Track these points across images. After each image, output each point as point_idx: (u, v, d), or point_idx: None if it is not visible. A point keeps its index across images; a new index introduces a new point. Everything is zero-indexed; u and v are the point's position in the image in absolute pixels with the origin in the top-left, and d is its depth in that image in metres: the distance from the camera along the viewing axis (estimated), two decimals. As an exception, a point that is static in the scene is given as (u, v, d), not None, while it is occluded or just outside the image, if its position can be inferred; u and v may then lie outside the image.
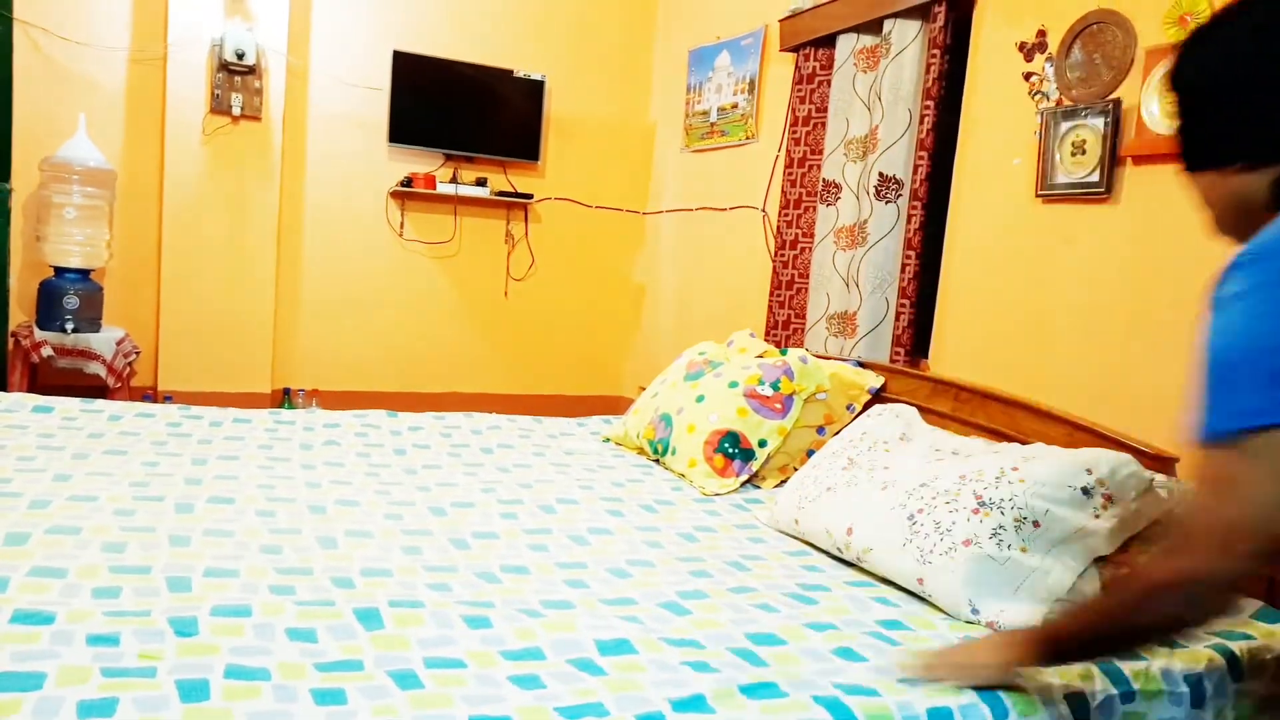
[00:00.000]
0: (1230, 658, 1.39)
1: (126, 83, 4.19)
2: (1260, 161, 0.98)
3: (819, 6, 3.64)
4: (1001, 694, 1.21)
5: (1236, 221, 1.02)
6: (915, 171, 3.16)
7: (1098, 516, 1.52)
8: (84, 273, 3.92)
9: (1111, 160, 2.52)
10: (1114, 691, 1.28)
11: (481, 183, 4.83)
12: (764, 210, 4.17)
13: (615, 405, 4.99)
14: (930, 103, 3.10)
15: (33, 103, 3.97)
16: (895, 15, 3.23)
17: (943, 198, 3.14)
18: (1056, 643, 1.14)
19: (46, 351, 3.73)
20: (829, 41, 3.63)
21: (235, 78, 4.22)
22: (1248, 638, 1.44)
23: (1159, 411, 2.43)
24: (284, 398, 4.60)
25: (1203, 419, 0.91)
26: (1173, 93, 1.09)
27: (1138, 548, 1.31)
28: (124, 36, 4.16)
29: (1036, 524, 1.51)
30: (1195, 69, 1.04)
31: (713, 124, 4.59)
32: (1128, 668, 1.32)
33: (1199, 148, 1.05)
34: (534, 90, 4.84)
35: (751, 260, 4.21)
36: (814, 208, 3.70)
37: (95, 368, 3.82)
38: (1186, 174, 1.08)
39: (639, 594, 1.50)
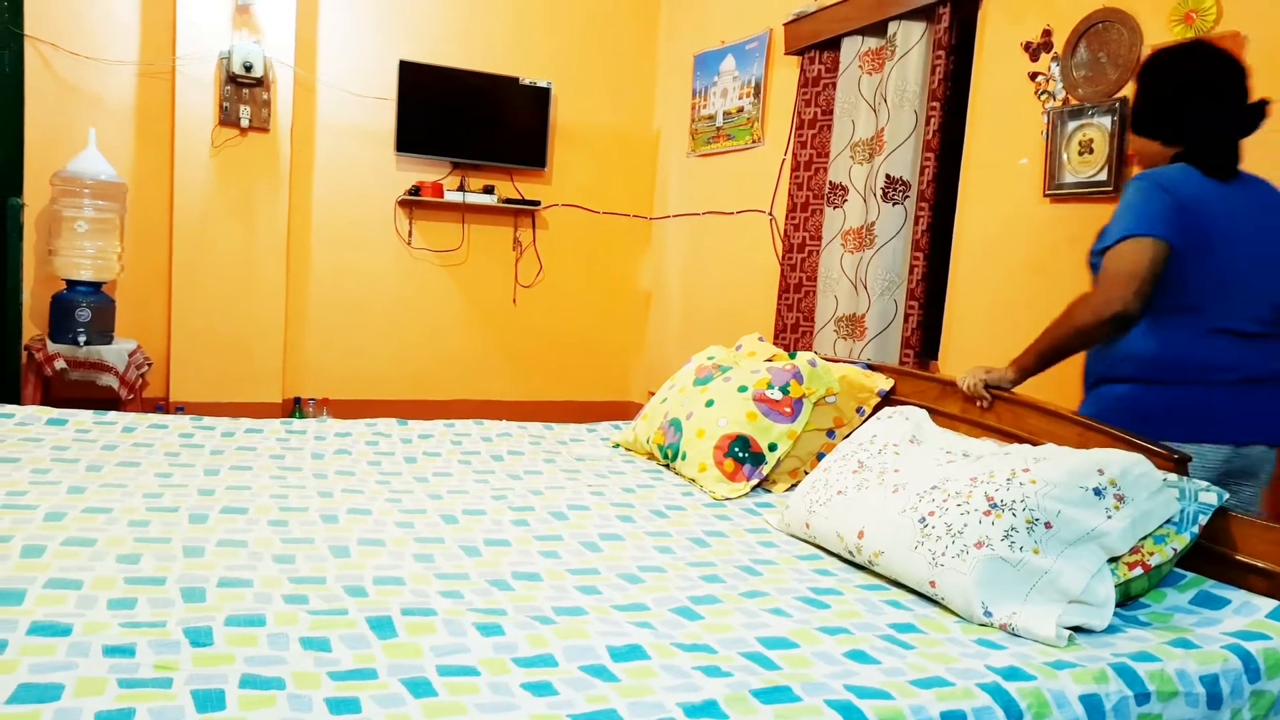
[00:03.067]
0: (1246, 658, 1.38)
1: (136, 96, 4.23)
2: (1169, 144, 1.91)
3: (823, 9, 3.65)
4: (1015, 696, 1.21)
5: (1150, 164, 1.95)
6: (922, 173, 3.16)
7: (1110, 517, 1.51)
8: (96, 285, 3.95)
9: (1119, 159, 2.52)
10: (1129, 693, 1.28)
11: (489, 190, 4.84)
12: (771, 214, 4.17)
13: (624, 411, 5.00)
14: (936, 104, 3.10)
15: (44, 117, 4.00)
16: (900, 17, 3.23)
17: (950, 199, 3.13)
18: (1031, 356, 2.00)
19: (59, 364, 3.75)
20: (834, 44, 3.63)
21: (243, 90, 4.25)
22: (1264, 638, 1.43)
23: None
24: (295, 407, 4.62)
25: (1113, 235, 1.82)
26: (1141, 93, 1.97)
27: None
28: (133, 51, 4.19)
29: (1049, 525, 1.50)
30: (1145, 90, 1.95)
31: (718, 128, 4.60)
32: (1143, 669, 1.31)
33: (1147, 128, 1.95)
34: (540, 97, 4.85)
35: (759, 264, 4.21)
36: (821, 210, 3.70)
37: (108, 380, 3.85)
38: (1133, 133, 2.00)
39: (651, 599, 1.50)
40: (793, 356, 2.49)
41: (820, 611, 1.51)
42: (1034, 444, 1.82)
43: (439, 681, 1.14)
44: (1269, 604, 1.51)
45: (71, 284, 3.90)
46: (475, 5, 4.82)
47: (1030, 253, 2.82)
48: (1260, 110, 1.85)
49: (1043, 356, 1.97)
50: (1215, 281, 1.80)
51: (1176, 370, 1.82)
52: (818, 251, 3.69)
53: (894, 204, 3.26)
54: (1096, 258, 1.87)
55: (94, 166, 3.91)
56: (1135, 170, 2.08)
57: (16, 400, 3.72)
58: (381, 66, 4.62)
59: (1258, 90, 2.17)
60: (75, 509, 1.70)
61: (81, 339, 3.80)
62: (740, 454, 2.25)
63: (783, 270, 3.86)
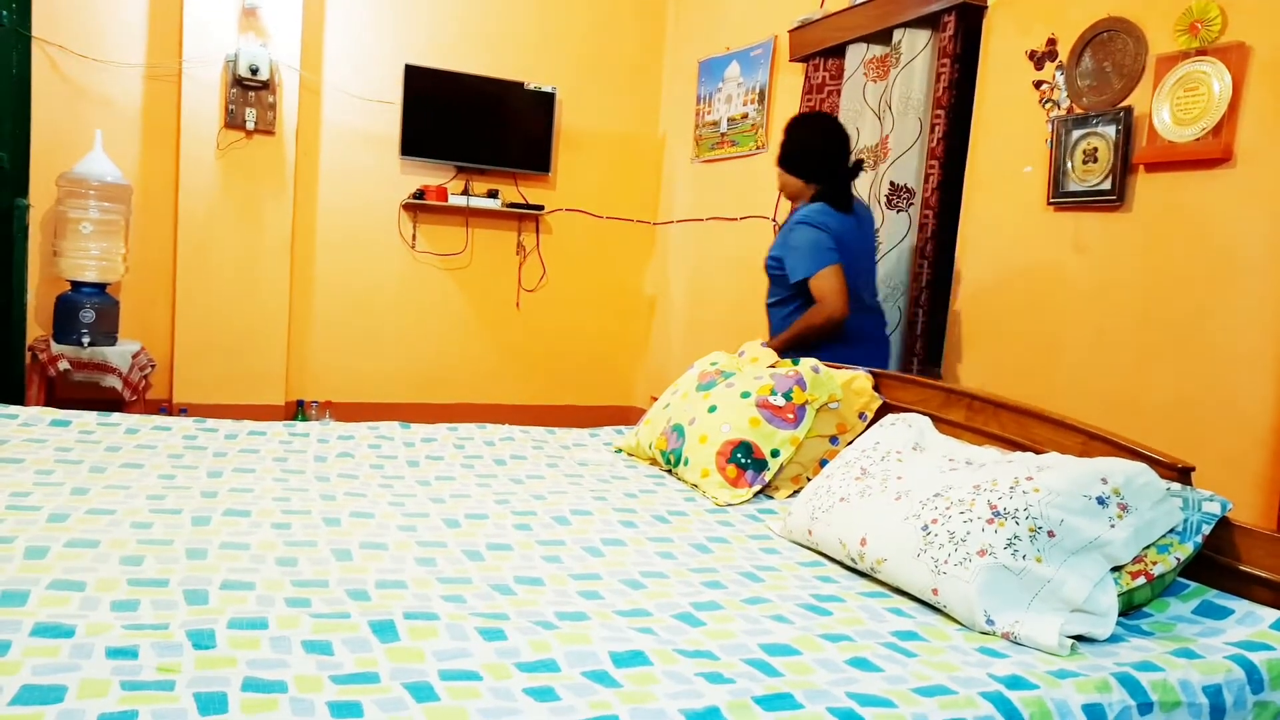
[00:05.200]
0: (1249, 669, 1.38)
1: (142, 99, 4.24)
2: (809, 181, 2.86)
3: (828, 17, 3.65)
4: (1018, 705, 1.21)
5: (793, 193, 2.94)
6: (926, 180, 3.16)
7: (1113, 526, 1.51)
8: (100, 287, 3.96)
9: (1123, 168, 2.52)
10: (1131, 703, 1.27)
11: (493, 194, 4.86)
12: (774, 220, 4.17)
13: (627, 416, 5.00)
14: (941, 111, 3.11)
15: (50, 119, 4.02)
16: (905, 25, 3.24)
17: (954, 206, 3.13)
18: (778, 343, 2.79)
19: (63, 365, 3.76)
20: (838, 51, 3.64)
21: (249, 93, 4.26)
22: (1268, 649, 1.43)
23: (1173, 419, 2.41)
24: (298, 410, 4.62)
25: (806, 270, 2.73)
26: (788, 143, 2.90)
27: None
28: (140, 53, 4.21)
29: (1051, 534, 1.50)
30: (795, 139, 2.89)
31: (723, 134, 4.60)
32: (1146, 679, 1.31)
33: (794, 169, 2.88)
34: (544, 102, 4.87)
35: (762, 270, 4.20)
36: (825, 217, 3.69)
37: (111, 381, 3.85)
38: (780, 168, 2.92)
39: (653, 605, 1.50)
40: (795, 362, 2.49)
41: (822, 618, 1.51)
42: (1037, 452, 1.82)
43: (441, 686, 1.14)
44: (1272, 614, 1.51)
45: (76, 285, 3.91)
46: (481, 10, 4.84)
47: (1033, 260, 2.82)
48: (860, 166, 2.90)
49: (788, 344, 2.78)
50: (855, 279, 2.77)
51: (846, 335, 2.76)
52: (821, 258, 3.69)
53: (898, 211, 3.26)
54: (786, 281, 2.82)
55: (100, 168, 3.92)
56: (790, 201, 3.01)
57: (21, 401, 3.73)
58: (387, 70, 4.63)
59: (1259, 98, 2.18)
60: (78, 510, 1.70)
61: (85, 340, 3.81)
62: (743, 460, 2.25)
63: (786, 276, 3.86)
